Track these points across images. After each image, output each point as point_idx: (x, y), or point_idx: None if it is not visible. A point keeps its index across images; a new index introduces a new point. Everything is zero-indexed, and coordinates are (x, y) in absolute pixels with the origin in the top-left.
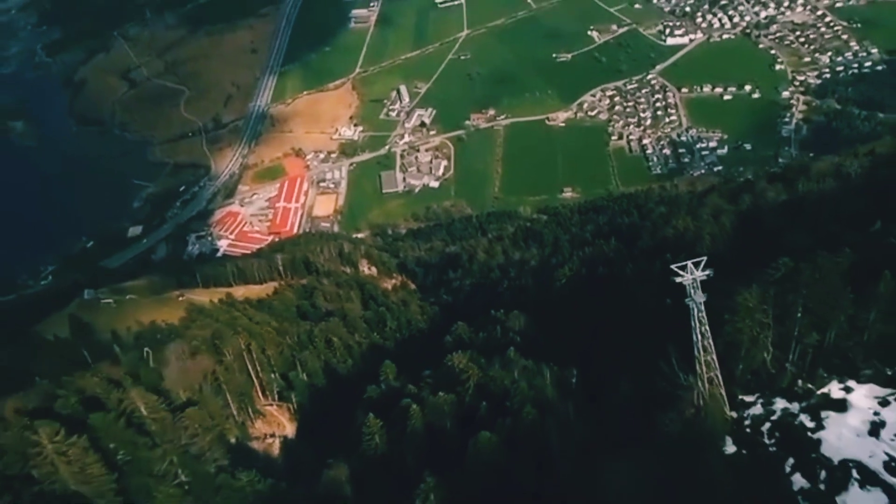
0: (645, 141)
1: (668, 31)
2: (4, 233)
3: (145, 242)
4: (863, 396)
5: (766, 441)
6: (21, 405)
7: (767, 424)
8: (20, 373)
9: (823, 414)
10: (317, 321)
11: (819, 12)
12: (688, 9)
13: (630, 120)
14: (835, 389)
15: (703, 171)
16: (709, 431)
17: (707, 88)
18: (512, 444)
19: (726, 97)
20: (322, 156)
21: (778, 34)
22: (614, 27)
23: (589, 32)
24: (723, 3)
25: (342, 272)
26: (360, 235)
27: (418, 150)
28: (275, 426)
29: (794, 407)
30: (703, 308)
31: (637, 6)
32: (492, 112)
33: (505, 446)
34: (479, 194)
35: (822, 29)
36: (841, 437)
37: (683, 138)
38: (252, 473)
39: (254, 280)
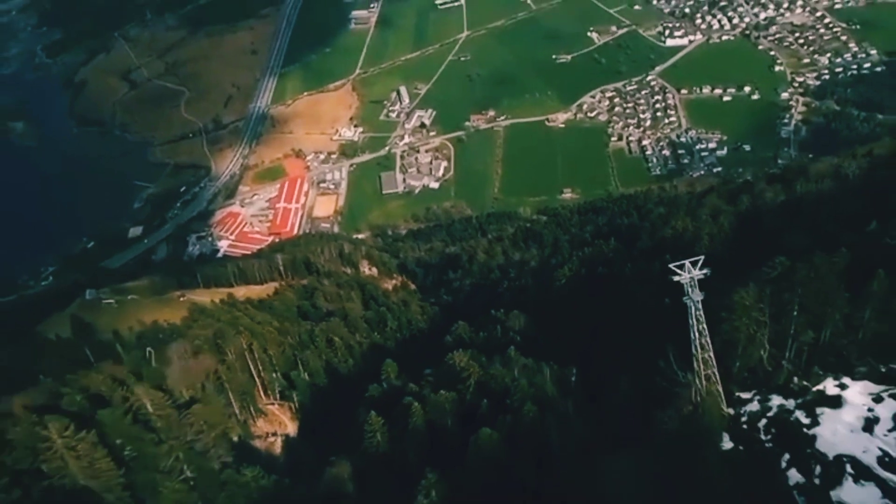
0: (644, 142)
1: (667, 32)
2: (5, 233)
3: (146, 243)
4: (857, 393)
5: (763, 437)
6: (28, 402)
7: (764, 421)
8: (22, 372)
9: (818, 410)
10: (318, 321)
11: (818, 14)
12: (687, 10)
13: (630, 121)
14: (830, 386)
15: (702, 172)
16: (706, 428)
17: (706, 90)
18: (512, 441)
19: (726, 98)
20: (322, 157)
21: (777, 35)
22: (614, 28)
23: (588, 34)
24: (722, 4)
25: (343, 273)
26: (360, 236)
27: (418, 151)
28: (277, 425)
29: (790, 403)
30: (700, 306)
31: (637, 7)
32: (492, 113)
33: (505, 443)
34: (479, 195)
35: (822, 30)
36: (835, 432)
37: (683, 139)
38: (256, 469)
39: (254, 280)
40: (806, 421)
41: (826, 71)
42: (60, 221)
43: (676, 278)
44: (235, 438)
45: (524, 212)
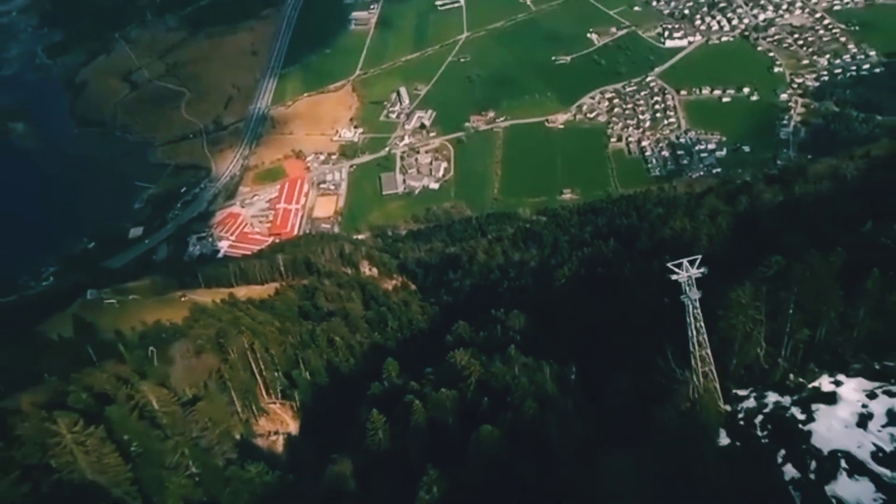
0: (644, 143)
1: (666, 33)
2: (6, 233)
3: (147, 243)
4: (852, 390)
5: (759, 433)
6: (35, 400)
7: (760, 417)
8: (25, 372)
9: (814, 407)
10: (319, 321)
11: (817, 15)
12: (686, 11)
13: (629, 122)
14: (825, 383)
15: (701, 173)
16: (703, 424)
17: (706, 91)
18: (513, 438)
19: (725, 99)
20: (322, 157)
21: (776, 37)
22: (613, 30)
23: (588, 35)
24: (721, 5)
25: (343, 273)
26: (360, 237)
27: (418, 152)
28: (278, 423)
29: (786, 400)
30: (697, 304)
31: (636, 9)
32: (491, 114)
33: (506, 440)
34: (479, 196)
35: (821, 31)
36: (831, 428)
37: (682, 140)
38: (260, 465)
39: (255, 281)
40: (801, 417)
41: (825, 72)
42: (61, 222)
43: (674, 277)
44: (238, 437)
45: (524, 212)
